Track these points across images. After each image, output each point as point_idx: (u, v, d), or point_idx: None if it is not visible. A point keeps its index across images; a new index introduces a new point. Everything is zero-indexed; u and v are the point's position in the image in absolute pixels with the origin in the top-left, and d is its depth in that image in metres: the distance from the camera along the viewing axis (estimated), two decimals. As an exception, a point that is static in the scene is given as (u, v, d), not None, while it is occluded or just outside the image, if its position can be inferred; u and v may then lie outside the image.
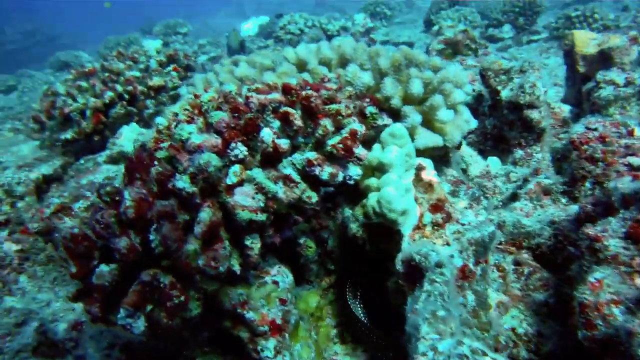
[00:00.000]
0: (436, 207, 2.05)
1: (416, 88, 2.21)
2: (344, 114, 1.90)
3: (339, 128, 1.96)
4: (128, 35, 8.60)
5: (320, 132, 1.82)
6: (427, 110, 2.25)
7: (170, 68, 4.25)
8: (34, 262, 2.65)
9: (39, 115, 3.97)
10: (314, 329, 2.45)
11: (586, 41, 3.93)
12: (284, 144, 1.78)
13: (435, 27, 5.18)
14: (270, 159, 1.81)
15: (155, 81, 4.03)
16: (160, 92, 4.06)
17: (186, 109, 2.03)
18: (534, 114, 3.25)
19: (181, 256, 1.65)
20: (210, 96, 2.01)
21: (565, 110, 3.81)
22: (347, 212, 2.28)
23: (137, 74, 4.02)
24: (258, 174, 1.72)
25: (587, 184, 2.56)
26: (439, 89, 2.29)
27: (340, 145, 1.83)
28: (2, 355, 1.87)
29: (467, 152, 3.46)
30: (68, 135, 3.85)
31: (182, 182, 1.67)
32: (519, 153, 3.34)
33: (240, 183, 1.72)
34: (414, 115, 2.21)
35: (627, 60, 3.55)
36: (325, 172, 1.81)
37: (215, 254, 1.66)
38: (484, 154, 3.56)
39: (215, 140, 1.78)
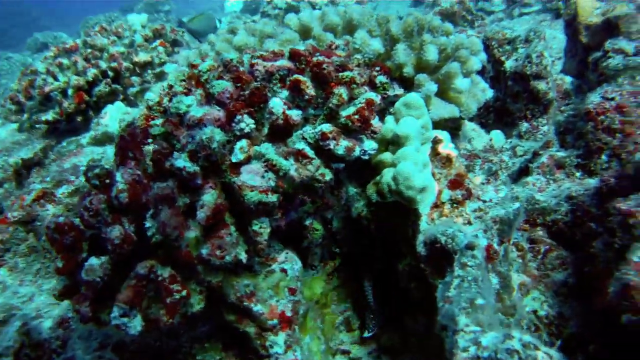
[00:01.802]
0: (455, 183, 1.86)
1: (431, 54, 2.00)
2: (358, 82, 1.69)
3: (351, 98, 1.75)
4: (109, 14, 8.22)
5: (334, 101, 1.60)
6: (442, 78, 2.04)
7: (156, 43, 3.97)
8: (15, 254, 2.40)
9: (16, 95, 3.70)
10: (319, 317, 2.27)
11: (589, 10, 3.74)
12: (295, 115, 1.57)
13: (430, -1, 4.97)
14: (280, 133, 1.60)
15: (141, 57, 3.76)
16: (146, 69, 3.80)
17: (182, 80, 1.81)
18: (541, 85, 3.06)
19: (182, 245, 1.44)
20: (209, 65, 1.79)
21: (567, 81, 3.63)
22: (352, 190, 2.08)
23: (122, 49, 3.75)
24: (268, 149, 1.51)
25: (604, 157, 2.40)
26: (454, 55, 2.09)
27: (356, 117, 1.61)
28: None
29: (469, 125, 3.27)
30: (49, 116, 3.58)
31: (182, 161, 1.45)
32: (524, 126, 3.15)
33: (248, 160, 1.51)
34: (429, 84, 2.00)
35: (634, 29, 3.36)
36: (341, 146, 1.59)
37: (220, 241, 1.45)
38: (486, 127, 3.37)
39: (217, 112, 1.56)
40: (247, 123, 1.52)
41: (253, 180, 1.46)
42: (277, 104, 1.54)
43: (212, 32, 4.27)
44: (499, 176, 2.03)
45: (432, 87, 2.00)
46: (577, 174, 2.46)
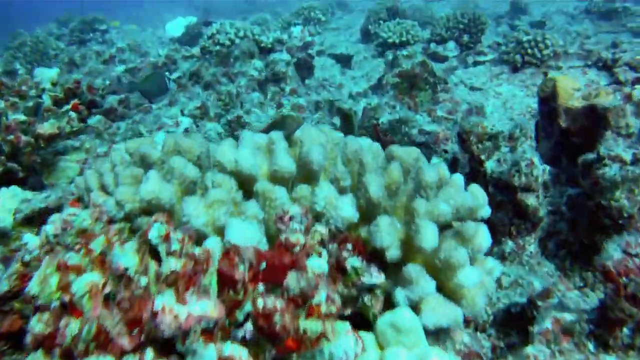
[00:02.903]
0: None
1: (429, 240, 1.32)
2: (330, 336, 1.00)
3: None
4: (37, 35, 7.08)
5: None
6: (441, 266, 1.38)
7: (68, 106, 3.14)
8: None
9: None
10: None
11: (570, 92, 3.21)
12: None
13: (390, 57, 4.34)
14: None
15: (47, 127, 2.92)
16: (53, 141, 2.96)
17: (54, 308, 1.07)
18: (530, 200, 2.47)
19: None
20: (88, 283, 1.06)
21: (545, 172, 3.07)
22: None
23: (22, 117, 2.90)
24: None
25: (626, 330, 1.81)
26: (456, 230, 1.43)
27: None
28: None
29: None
30: None
31: None
32: (508, 245, 2.55)
33: None
34: (425, 283, 1.32)
35: (623, 123, 2.84)
36: None
37: None
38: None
39: None
40: None
41: None
42: None
43: (163, 93, 3.52)
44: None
45: (430, 286, 1.33)
46: (590, 346, 1.86)
